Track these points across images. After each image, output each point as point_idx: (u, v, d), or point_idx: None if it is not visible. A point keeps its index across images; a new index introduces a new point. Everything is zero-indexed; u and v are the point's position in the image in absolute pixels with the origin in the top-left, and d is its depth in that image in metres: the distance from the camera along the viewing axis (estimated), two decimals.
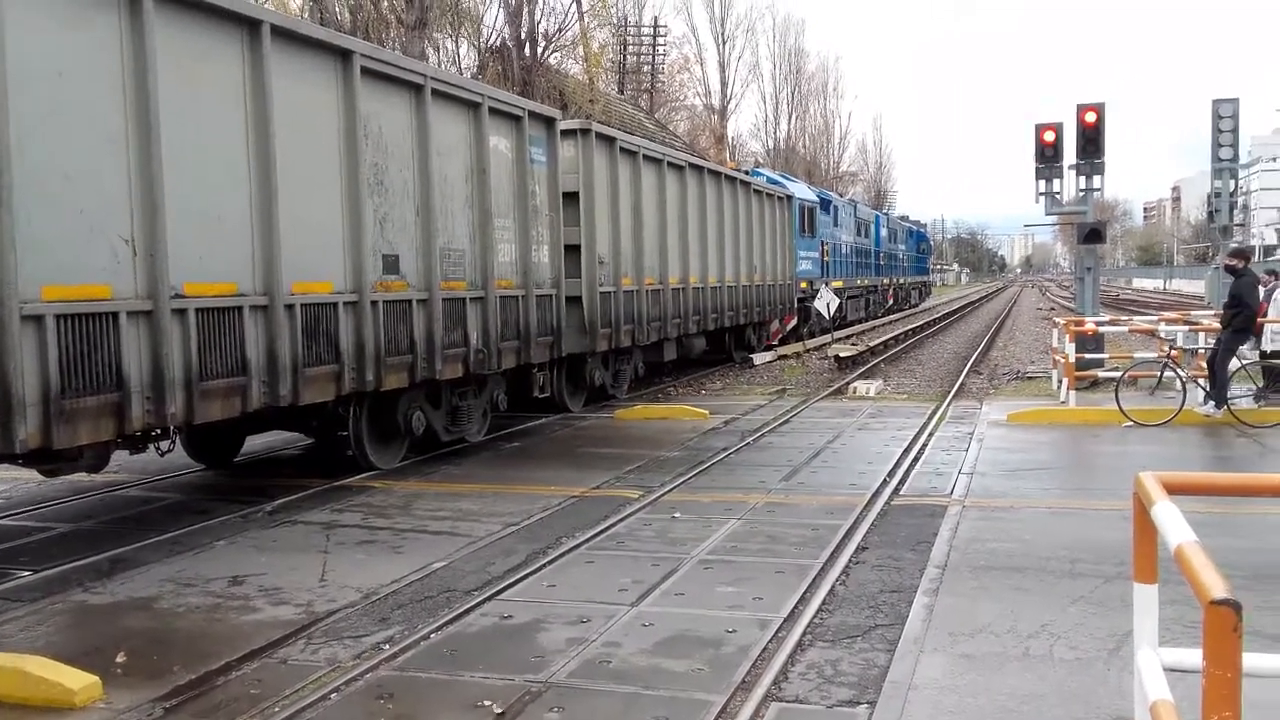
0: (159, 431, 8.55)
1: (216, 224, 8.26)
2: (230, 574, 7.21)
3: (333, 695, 5.07)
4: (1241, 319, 12.53)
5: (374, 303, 9.97)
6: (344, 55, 9.67)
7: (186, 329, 7.85)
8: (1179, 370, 13.50)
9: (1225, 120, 19.74)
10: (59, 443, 6.89)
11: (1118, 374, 16.01)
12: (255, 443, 12.53)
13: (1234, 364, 12.93)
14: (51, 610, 6.54)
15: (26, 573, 7.39)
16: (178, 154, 7.78)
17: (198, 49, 8.09)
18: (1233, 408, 12.70)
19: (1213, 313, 17.80)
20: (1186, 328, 15.67)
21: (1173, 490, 3.39)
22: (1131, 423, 12.80)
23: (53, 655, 5.40)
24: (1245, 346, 13.35)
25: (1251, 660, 2.81)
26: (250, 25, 8.58)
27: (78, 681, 5.08)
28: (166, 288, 7.62)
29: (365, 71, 9.85)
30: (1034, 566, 6.95)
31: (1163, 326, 16.41)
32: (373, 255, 10.00)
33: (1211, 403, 12.79)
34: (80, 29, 7.12)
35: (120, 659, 5.59)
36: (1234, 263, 13.41)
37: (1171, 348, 14.25)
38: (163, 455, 9.50)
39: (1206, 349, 15.02)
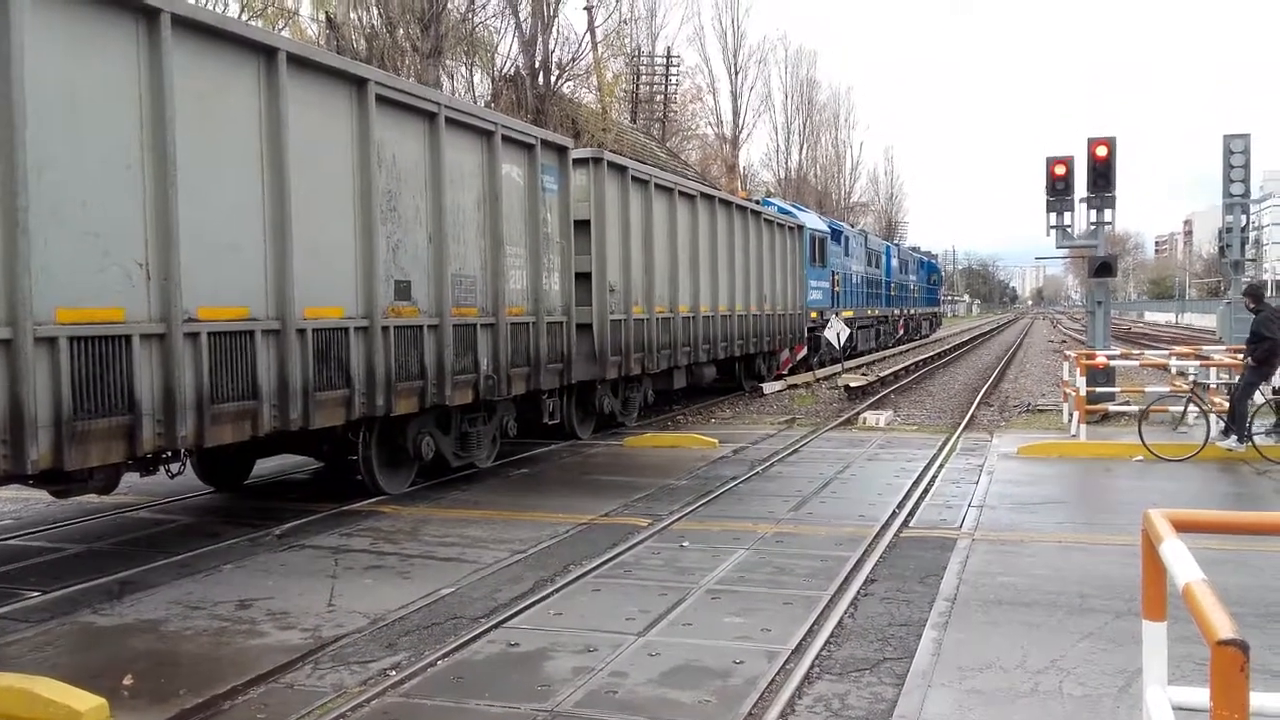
0: (170, 454, 8.58)
1: (230, 248, 8.32)
2: (238, 598, 7.21)
3: None
4: (1262, 351, 12.47)
5: (385, 328, 10.01)
6: (359, 83, 9.76)
7: (199, 352, 7.89)
8: (1203, 405, 13.42)
9: (1237, 155, 19.72)
10: (70, 464, 6.91)
11: (1129, 408, 16.00)
12: (265, 466, 12.56)
13: (1257, 397, 12.87)
14: (59, 631, 6.55)
15: (35, 593, 7.40)
16: (192, 179, 7.84)
17: (214, 76, 8.17)
18: (1257, 443, 12.64)
19: (1224, 348, 17.74)
20: (1198, 362, 15.62)
21: (1181, 528, 3.38)
22: (1154, 457, 12.72)
23: (60, 676, 5.39)
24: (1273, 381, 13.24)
25: (1260, 700, 2.80)
26: (267, 53, 8.67)
27: (85, 703, 5.07)
28: (179, 311, 7.67)
29: (380, 99, 9.93)
30: (1044, 601, 6.91)
31: (1174, 361, 16.37)
32: (385, 281, 10.05)
33: (1233, 437, 12.73)
34: (98, 56, 7.20)
35: (127, 681, 5.59)
36: (1249, 302, 13.37)
37: (1195, 382, 14.18)
38: (173, 477, 9.52)
39: (1220, 383, 14.98)
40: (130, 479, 9.09)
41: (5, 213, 6.47)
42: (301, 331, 8.96)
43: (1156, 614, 3.57)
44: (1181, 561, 3.06)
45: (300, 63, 9.03)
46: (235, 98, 8.40)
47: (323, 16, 26.54)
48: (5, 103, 6.47)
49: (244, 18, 23.14)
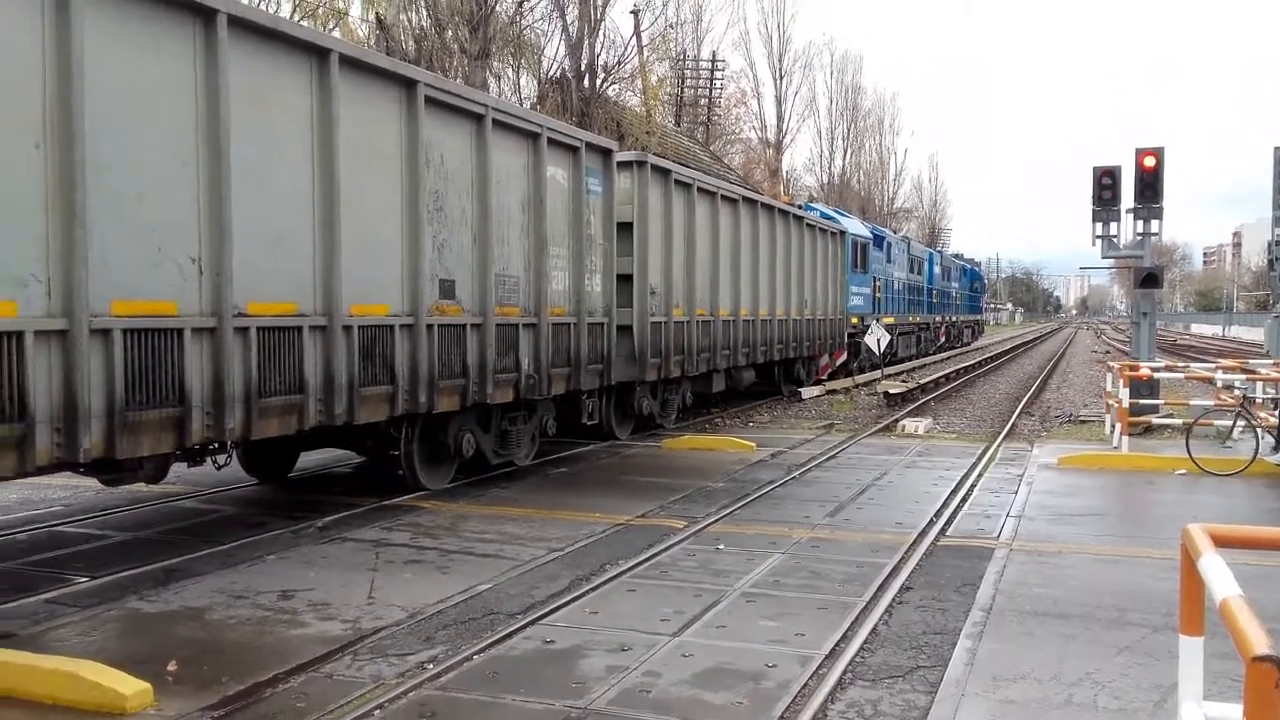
0: (217, 446, 8.74)
1: (280, 245, 8.46)
2: (280, 588, 7.34)
3: (376, 712, 5.16)
4: None
5: (429, 326, 10.13)
6: (408, 84, 9.88)
7: (248, 347, 8.04)
8: (1252, 419, 13.25)
9: None
10: (121, 453, 7.07)
11: (1172, 421, 15.81)
12: (308, 459, 12.74)
13: None
14: (106, 617, 6.71)
15: (83, 579, 7.58)
16: (245, 177, 7.99)
17: (268, 76, 8.32)
18: None
19: (1272, 362, 17.47)
20: (1244, 376, 15.41)
21: (1221, 543, 3.38)
22: (1200, 471, 12.55)
23: (106, 661, 5.53)
24: None
25: None
26: (319, 54, 8.81)
27: (130, 687, 5.20)
28: (230, 306, 7.82)
29: (429, 100, 10.05)
30: (1080, 614, 6.88)
31: (1220, 375, 16.17)
32: (430, 280, 10.17)
33: None
34: (157, 56, 7.36)
35: (171, 667, 5.72)
36: None
37: (1244, 396, 13.99)
38: (219, 469, 9.70)
39: (1267, 398, 14.77)
40: (178, 469, 9.26)
41: (64, 206, 6.64)
42: (348, 328, 9.09)
43: (1194, 629, 3.57)
44: (1220, 577, 3.06)
45: (352, 64, 9.16)
46: (288, 97, 8.54)
47: (373, 17, 26.84)
48: (66, 100, 6.63)
49: (296, 18, 23.47)
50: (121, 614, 6.78)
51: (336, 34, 23.50)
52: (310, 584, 7.47)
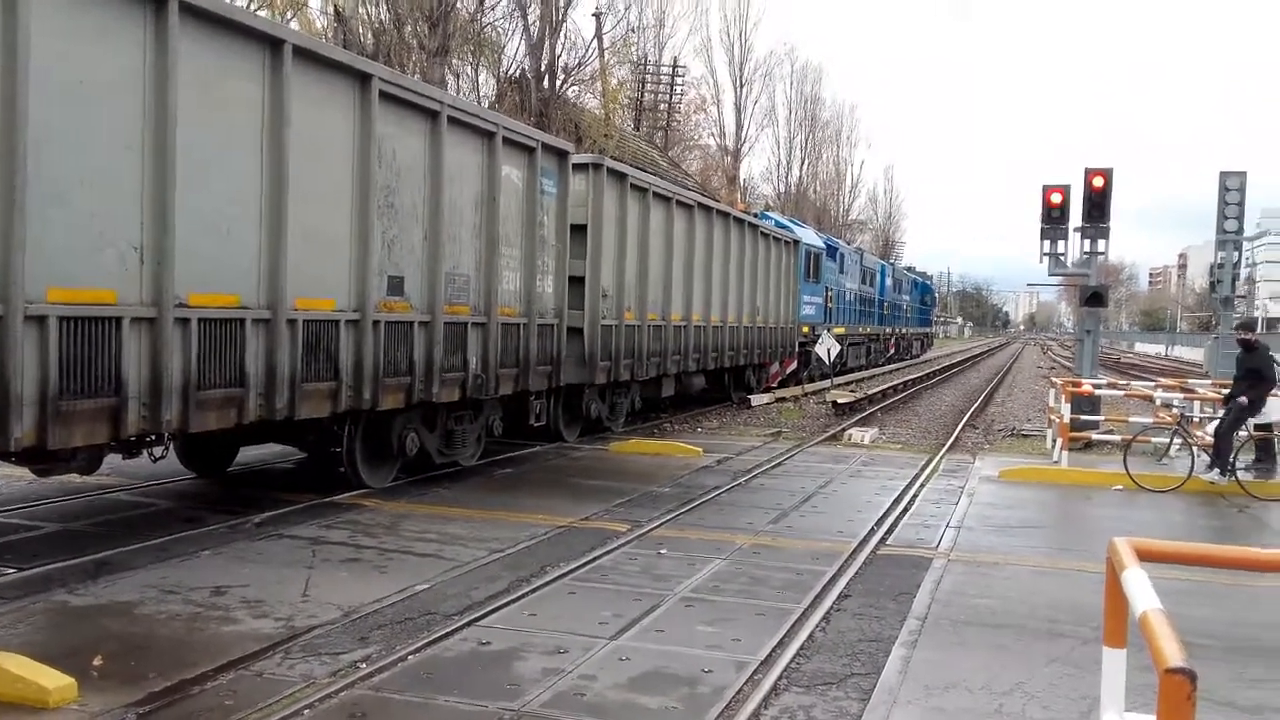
0: (153, 438, 8.60)
1: (225, 236, 8.35)
2: (214, 584, 7.23)
3: (305, 711, 5.09)
4: (1257, 392, 12.57)
5: (376, 322, 10.03)
6: (363, 78, 9.79)
7: (188, 338, 7.91)
8: (1189, 437, 13.49)
9: (1232, 193, 19.91)
10: (53, 443, 6.93)
11: (1112, 437, 16.08)
12: (249, 454, 12.57)
13: (1242, 433, 12.95)
14: (32, 609, 6.56)
15: (10, 570, 7.41)
16: (192, 166, 7.87)
17: (219, 64, 8.20)
18: (1240, 478, 12.71)
19: (1210, 382, 17.84)
20: (1183, 395, 15.70)
21: (1145, 557, 3.44)
22: (1137, 487, 12.77)
23: (31, 654, 5.41)
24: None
25: None
26: (272, 44, 8.70)
27: (53, 681, 5.10)
28: (171, 296, 7.69)
29: (383, 95, 9.96)
30: (1014, 624, 6.97)
31: (1159, 393, 16.46)
32: (378, 275, 10.08)
33: (1216, 470, 12.80)
34: (105, 40, 7.23)
35: (97, 662, 5.61)
36: (1247, 336, 13.45)
37: (1182, 414, 14.25)
38: (155, 461, 9.51)
39: (1204, 417, 15.06)
40: (112, 460, 9.11)
41: (3, 190, 6.50)
42: (292, 322, 8.98)
43: (1117, 641, 3.63)
44: (1141, 590, 3.12)
45: (305, 55, 9.06)
46: (239, 87, 8.43)
47: (331, 9, 26.57)
48: (9, 82, 6.50)
49: (253, 7, 23.17)
50: (49, 607, 6.64)
51: (294, 25, 23.27)
52: (244, 580, 7.37)
